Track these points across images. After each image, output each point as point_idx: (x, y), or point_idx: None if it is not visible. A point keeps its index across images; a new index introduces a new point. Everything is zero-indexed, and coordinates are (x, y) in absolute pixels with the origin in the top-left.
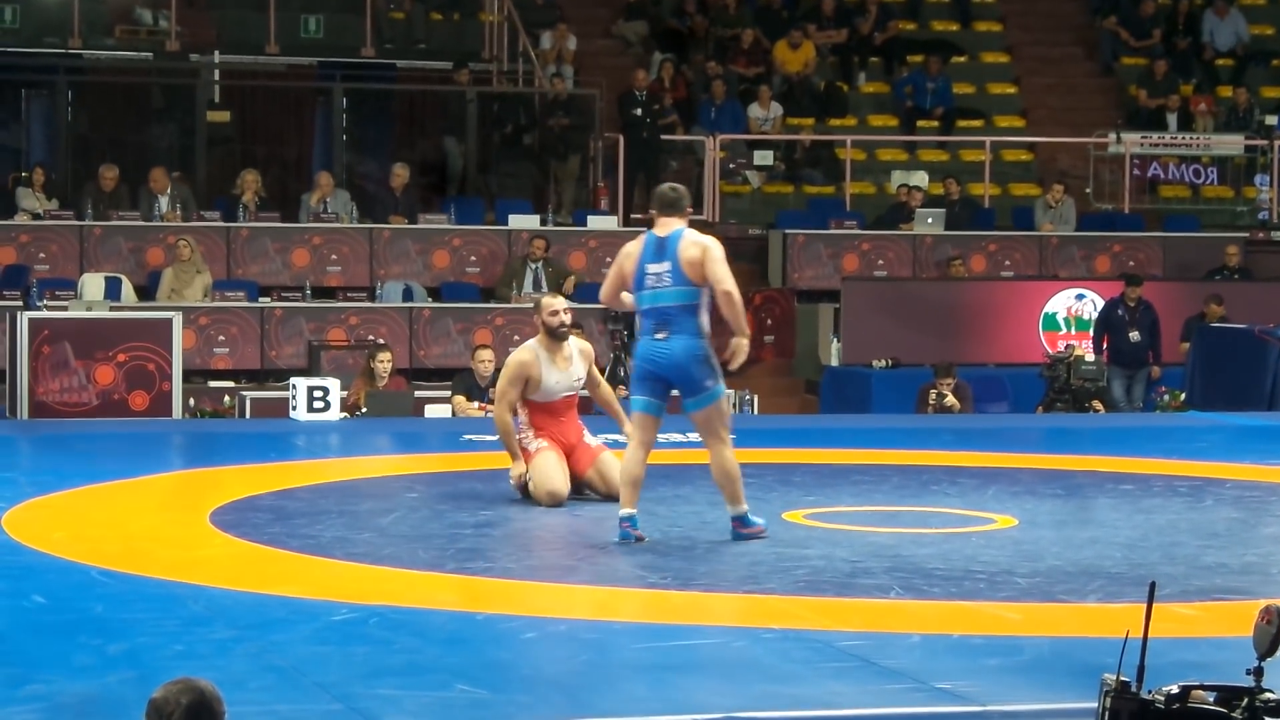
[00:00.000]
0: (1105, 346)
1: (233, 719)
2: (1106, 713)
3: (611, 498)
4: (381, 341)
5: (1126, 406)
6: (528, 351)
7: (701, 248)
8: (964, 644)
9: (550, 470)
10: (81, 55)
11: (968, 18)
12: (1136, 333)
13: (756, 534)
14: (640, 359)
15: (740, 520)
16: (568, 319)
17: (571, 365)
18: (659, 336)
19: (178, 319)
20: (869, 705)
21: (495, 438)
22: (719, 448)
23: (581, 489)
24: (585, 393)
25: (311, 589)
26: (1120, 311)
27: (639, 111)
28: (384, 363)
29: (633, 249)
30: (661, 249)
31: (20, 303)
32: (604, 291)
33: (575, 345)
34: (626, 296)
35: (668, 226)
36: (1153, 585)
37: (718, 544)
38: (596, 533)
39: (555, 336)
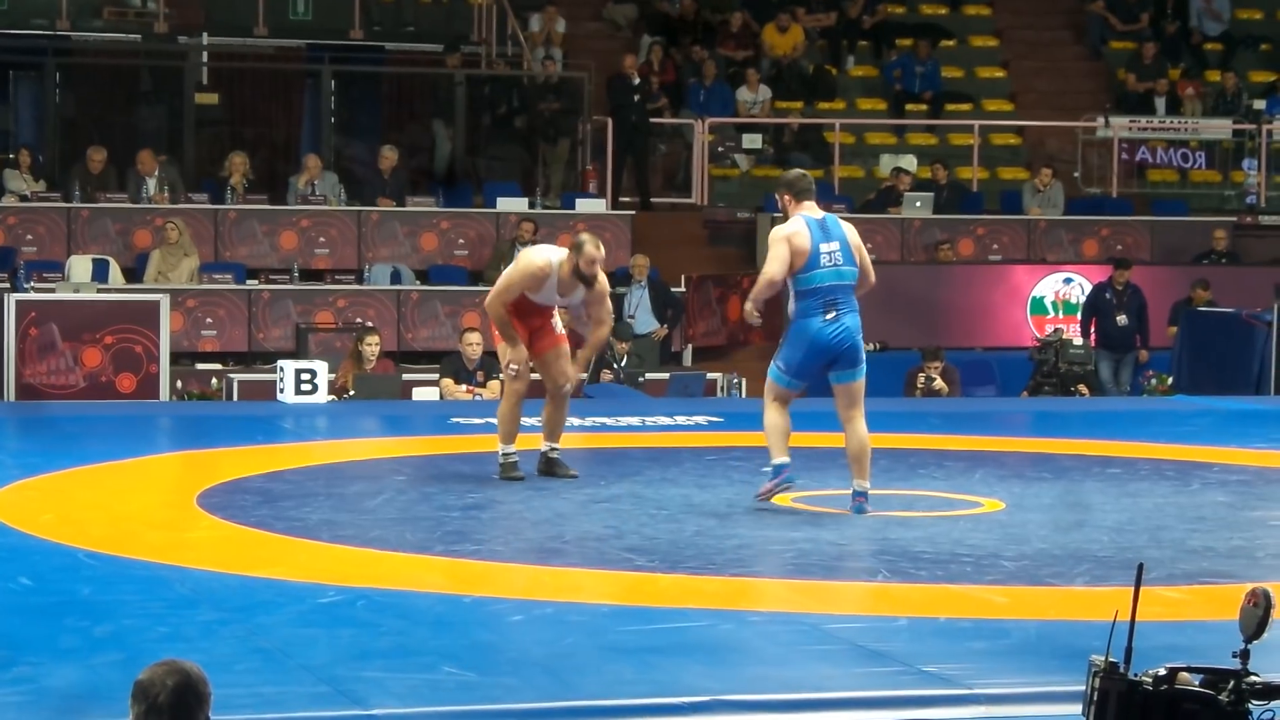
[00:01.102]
0: (1093, 330)
1: (219, 701)
2: (1095, 693)
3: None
4: (369, 324)
5: (1114, 390)
6: (546, 264)
7: (856, 231)
8: (951, 627)
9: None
10: (69, 37)
11: (956, 2)
12: (1124, 317)
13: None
14: (817, 342)
15: (864, 495)
16: (601, 274)
17: (576, 292)
18: (829, 317)
19: (165, 301)
20: (856, 688)
21: (482, 421)
22: (861, 421)
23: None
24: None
25: (298, 571)
26: (1108, 295)
27: (628, 95)
28: (372, 345)
29: (799, 229)
30: (825, 230)
31: (8, 285)
32: (778, 271)
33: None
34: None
35: (813, 210)
36: (1140, 567)
37: (705, 526)
38: (583, 516)
39: (580, 278)
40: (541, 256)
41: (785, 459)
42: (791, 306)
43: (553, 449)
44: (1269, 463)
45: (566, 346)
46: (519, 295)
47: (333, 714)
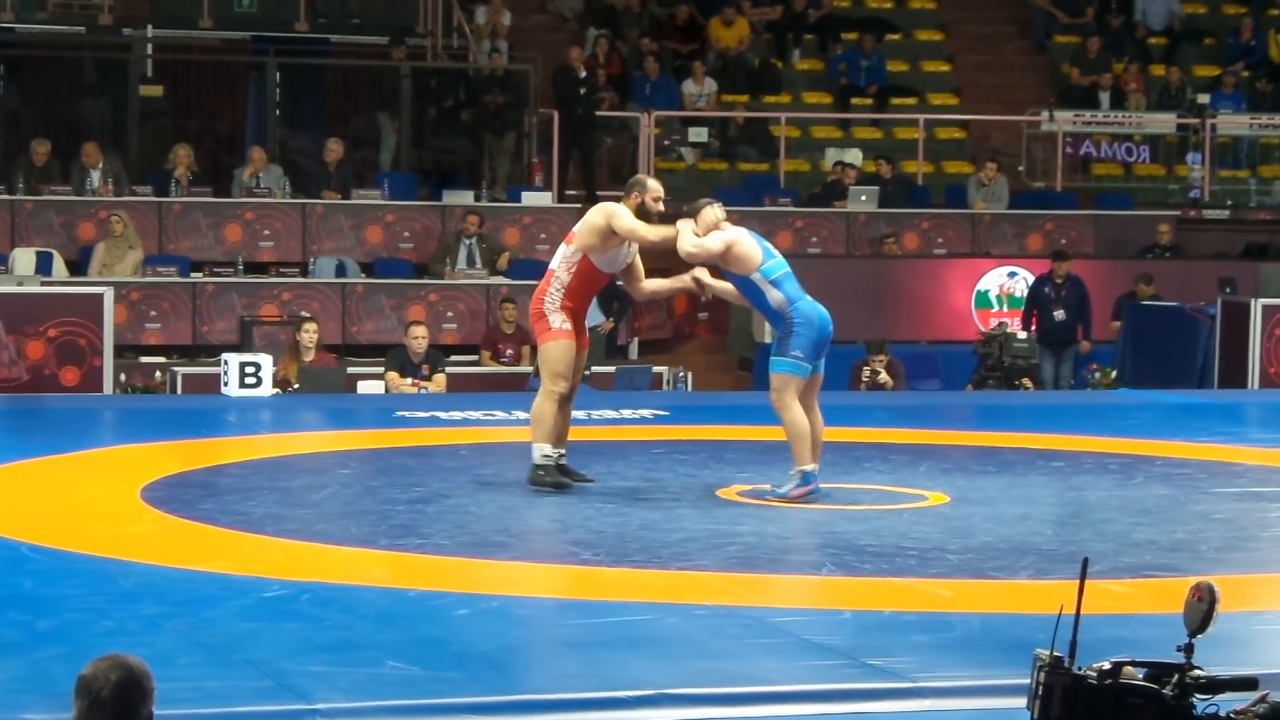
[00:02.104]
0: (1034, 324)
1: (163, 696)
2: (1040, 688)
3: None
4: (305, 314)
5: (1054, 385)
6: (628, 214)
7: None
8: (895, 620)
9: (568, 360)
10: (14, 29)
11: None
12: (1061, 311)
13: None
14: (825, 323)
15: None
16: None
17: (630, 248)
18: (810, 299)
19: (109, 294)
20: (801, 681)
21: (427, 414)
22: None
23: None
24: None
25: (242, 565)
26: (1047, 289)
27: (573, 88)
28: (309, 333)
29: (741, 233)
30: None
31: None
32: (716, 248)
33: None
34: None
35: None
36: (1085, 561)
37: (651, 520)
38: (529, 510)
39: (645, 218)
40: (611, 206)
41: (812, 467)
42: (773, 298)
43: (561, 455)
44: (1212, 456)
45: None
46: (581, 264)
47: (277, 708)
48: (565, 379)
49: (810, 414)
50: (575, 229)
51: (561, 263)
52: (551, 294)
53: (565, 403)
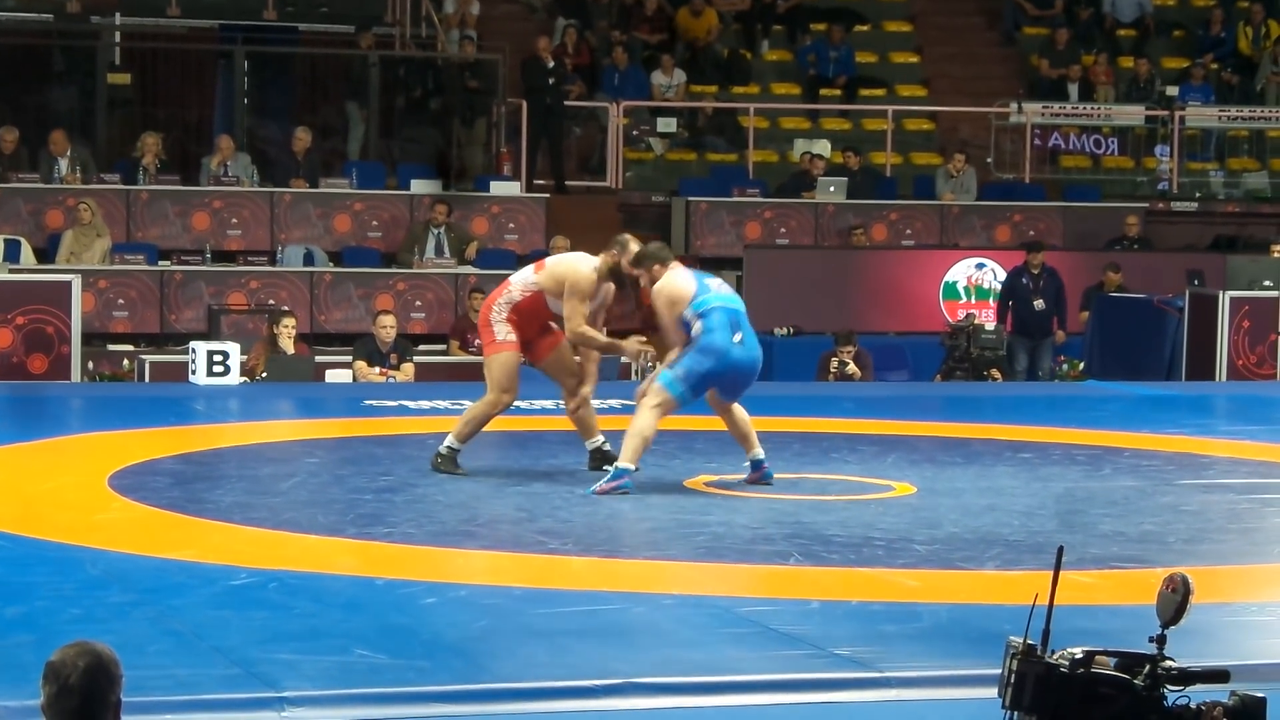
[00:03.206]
0: (1010, 316)
1: (131, 683)
2: (1012, 675)
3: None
4: (285, 308)
5: (1029, 376)
6: (594, 272)
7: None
8: (863, 610)
9: (513, 372)
10: None
11: None
12: (1041, 301)
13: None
14: (739, 366)
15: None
16: None
17: (599, 294)
18: (737, 339)
19: (77, 282)
20: (768, 671)
21: (395, 403)
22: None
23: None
24: None
25: (210, 553)
26: (1024, 280)
27: (542, 77)
28: (288, 328)
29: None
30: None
31: None
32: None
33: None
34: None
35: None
36: (1060, 550)
37: (618, 510)
38: (497, 499)
39: (616, 280)
40: (587, 266)
41: (632, 467)
42: (695, 328)
43: (602, 442)
44: (1180, 448)
45: (566, 346)
46: (537, 293)
47: (245, 696)
48: (509, 392)
49: (730, 411)
50: (549, 263)
51: (520, 283)
52: (500, 305)
53: (577, 398)
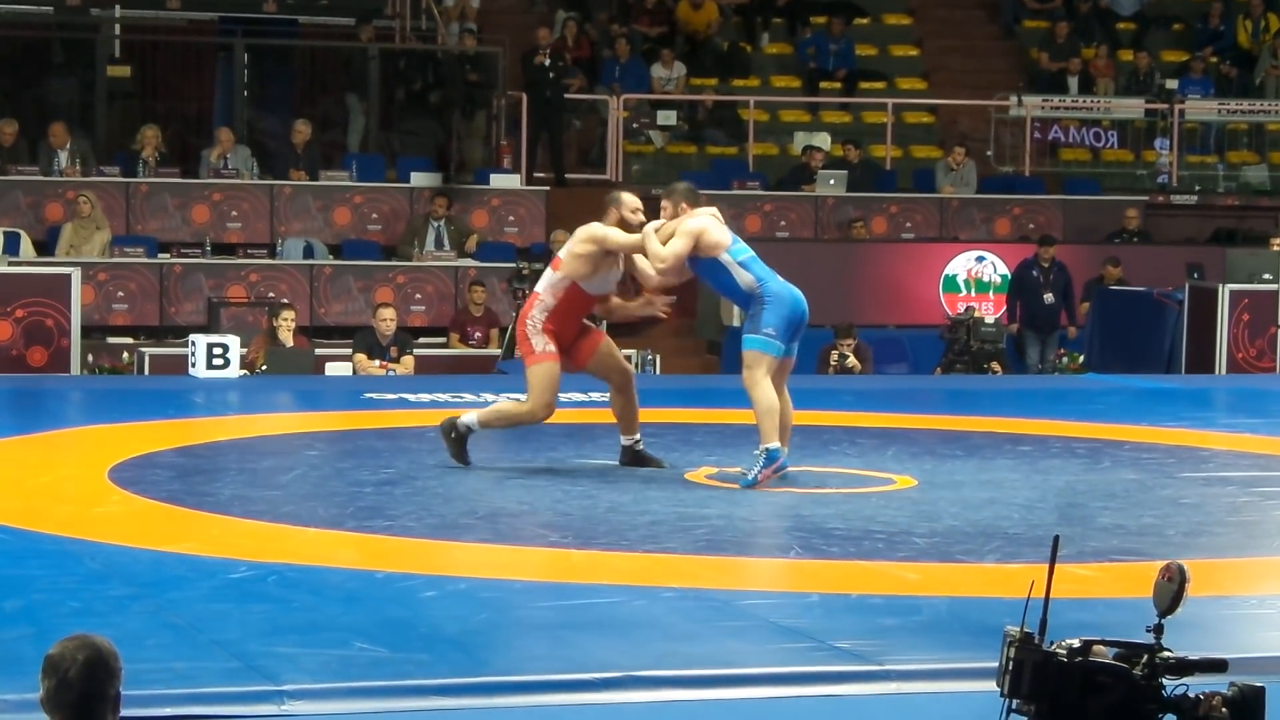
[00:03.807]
0: (1019, 309)
1: (130, 676)
2: (1010, 663)
3: (604, 385)
4: (284, 300)
5: (1040, 369)
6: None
7: None
8: (862, 603)
9: (553, 384)
10: None
11: None
12: (1050, 294)
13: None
14: (798, 304)
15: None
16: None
17: (619, 265)
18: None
19: (76, 275)
20: (768, 664)
21: (395, 396)
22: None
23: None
24: None
25: (210, 546)
26: (1034, 273)
27: (542, 70)
28: (287, 320)
29: (710, 221)
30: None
31: None
32: (685, 248)
33: None
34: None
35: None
36: (1056, 539)
37: (618, 503)
38: (497, 492)
39: (626, 229)
40: (604, 226)
41: (778, 444)
42: (742, 279)
43: (636, 440)
44: (1180, 441)
45: (609, 341)
46: (568, 290)
47: (244, 689)
48: (548, 406)
49: (784, 395)
50: (562, 255)
51: (547, 288)
52: (534, 316)
53: (622, 392)
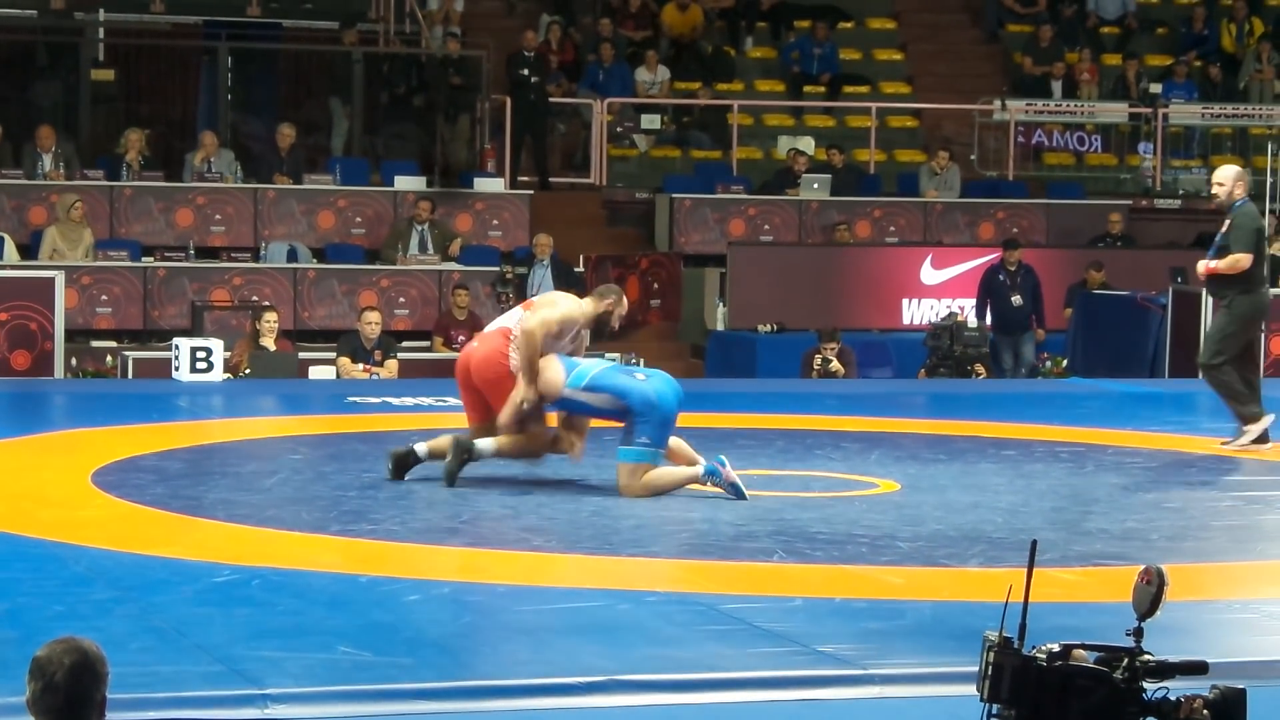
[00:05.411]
0: (989, 313)
1: (114, 680)
2: (989, 668)
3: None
4: (267, 304)
5: (1015, 372)
6: (581, 315)
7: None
8: (846, 607)
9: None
10: None
11: None
12: (1018, 297)
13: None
14: (665, 407)
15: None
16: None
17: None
18: (641, 379)
19: (60, 278)
20: (752, 668)
21: (379, 400)
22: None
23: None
24: None
25: (193, 550)
26: (1001, 276)
27: (526, 73)
28: (270, 323)
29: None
30: None
31: None
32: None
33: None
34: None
35: None
36: (1034, 544)
37: (602, 507)
38: (480, 496)
39: (599, 328)
40: (576, 307)
41: (702, 463)
42: (599, 401)
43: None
44: (1163, 445)
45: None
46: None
47: (228, 693)
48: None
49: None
50: (536, 301)
51: (517, 324)
52: (512, 353)
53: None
